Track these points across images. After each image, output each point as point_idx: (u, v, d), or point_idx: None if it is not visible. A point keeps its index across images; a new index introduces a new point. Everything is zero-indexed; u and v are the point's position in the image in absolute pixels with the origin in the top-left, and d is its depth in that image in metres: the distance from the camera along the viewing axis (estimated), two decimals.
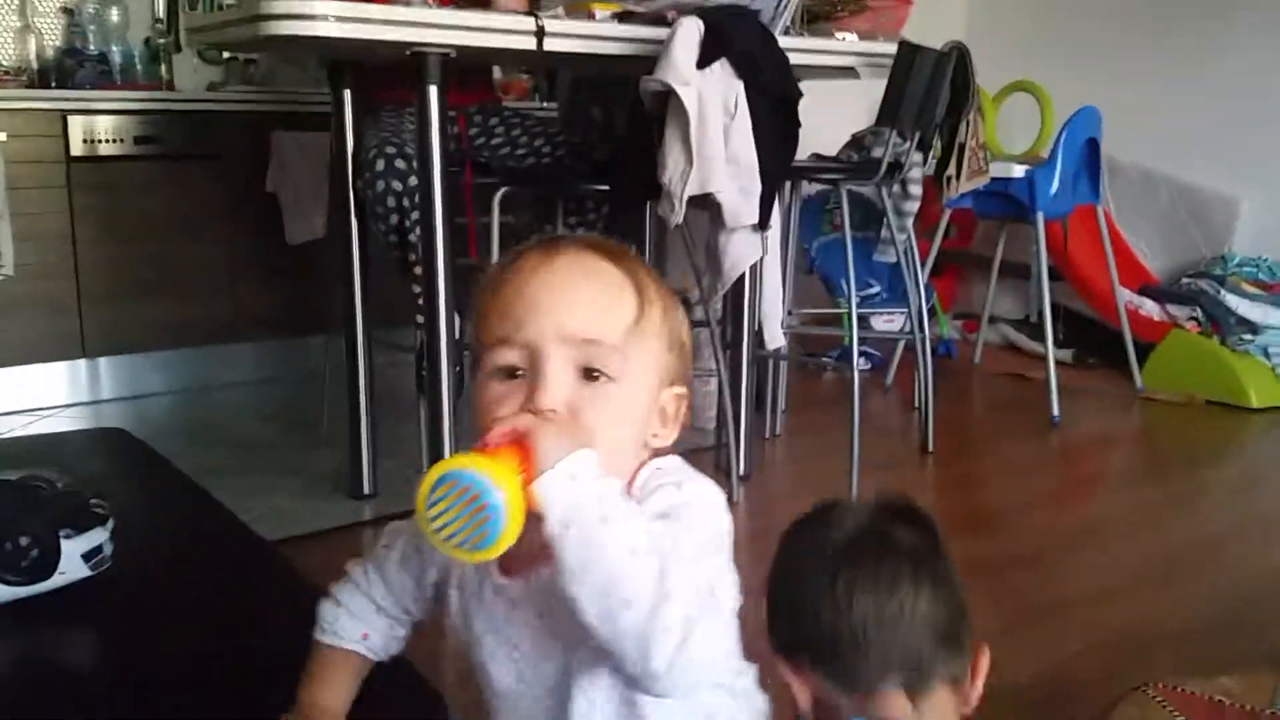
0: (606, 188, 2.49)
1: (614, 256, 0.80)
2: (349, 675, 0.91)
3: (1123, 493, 2.93)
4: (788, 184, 3.03)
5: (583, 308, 0.76)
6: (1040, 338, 3.46)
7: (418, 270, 2.27)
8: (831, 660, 0.85)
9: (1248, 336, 3.54)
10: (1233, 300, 3.58)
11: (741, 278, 2.52)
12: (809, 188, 3.56)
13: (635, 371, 0.77)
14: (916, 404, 3.22)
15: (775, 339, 2.67)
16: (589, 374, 0.75)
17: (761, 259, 2.47)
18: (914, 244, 3.13)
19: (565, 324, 0.75)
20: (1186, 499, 2.81)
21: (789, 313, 3.23)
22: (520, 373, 0.76)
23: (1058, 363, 3.39)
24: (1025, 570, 2.20)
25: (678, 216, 2.16)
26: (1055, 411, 3.29)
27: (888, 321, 4.02)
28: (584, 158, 2.67)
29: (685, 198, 2.13)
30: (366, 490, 2.55)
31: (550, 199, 2.69)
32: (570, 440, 0.70)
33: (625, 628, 0.66)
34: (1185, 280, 3.82)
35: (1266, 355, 3.51)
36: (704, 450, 2.87)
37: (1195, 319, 3.65)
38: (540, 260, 0.78)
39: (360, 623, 0.91)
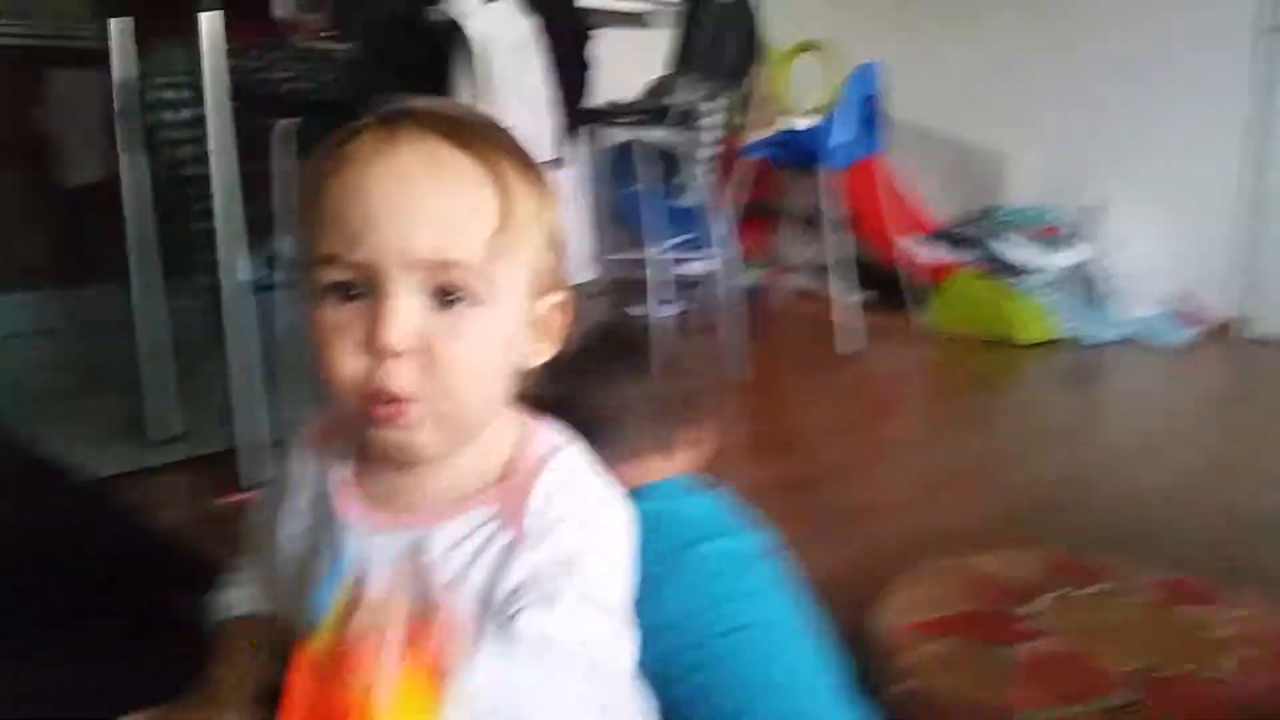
0: None
1: (467, 140, 0.65)
2: (247, 643, 0.80)
3: (912, 416, 3.16)
4: (587, 131, 3.06)
5: (433, 221, 0.62)
6: (836, 282, 3.65)
7: (204, 209, 2.18)
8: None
9: (1021, 278, 3.82)
10: (1003, 247, 3.85)
11: None
12: (612, 138, 3.61)
13: (502, 289, 0.65)
14: (723, 344, 3.35)
15: (582, 275, 2.71)
16: (444, 297, 0.64)
17: (561, 196, 2.49)
18: (716, 191, 3.23)
19: (411, 244, 0.62)
20: (967, 421, 3.04)
21: (597, 258, 3.28)
22: (357, 292, 0.64)
23: (852, 305, 3.58)
24: (830, 483, 2.36)
25: None
26: (851, 348, 3.48)
27: (695, 267, 4.12)
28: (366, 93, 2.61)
29: None
30: (176, 431, 2.44)
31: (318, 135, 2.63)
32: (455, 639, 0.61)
33: None
34: (963, 227, 4.09)
35: (1038, 295, 3.81)
36: None
37: (972, 263, 3.91)
38: (375, 152, 0.64)
39: (250, 588, 0.83)
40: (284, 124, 2.39)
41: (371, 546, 0.70)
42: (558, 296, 0.71)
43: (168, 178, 2.26)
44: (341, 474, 0.74)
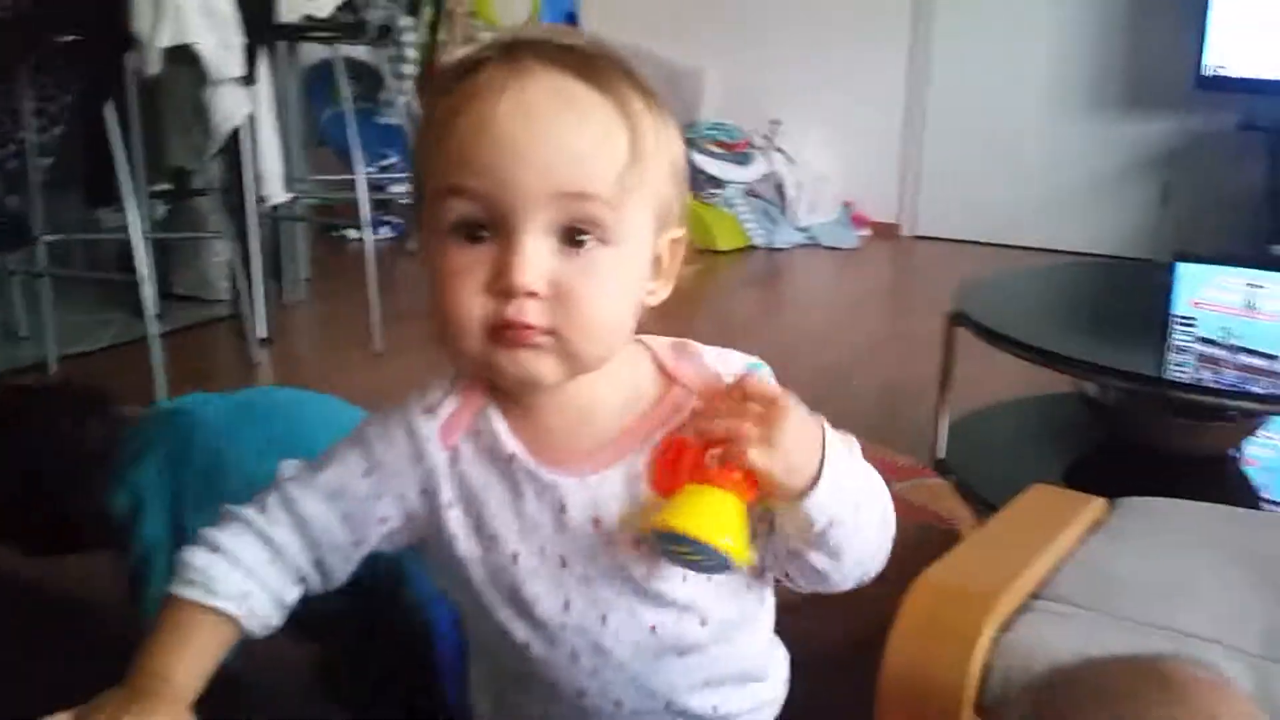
0: (75, 38, 2.35)
1: (593, 73, 0.62)
2: (211, 645, 0.66)
3: None
4: (283, 46, 3.03)
5: (564, 156, 0.60)
6: None
7: None
8: None
9: (715, 191, 4.11)
10: (700, 159, 4.13)
11: (236, 140, 2.53)
12: (310, 55, 3.55)
13: (630, 226, 0.62)
14: None
15: (276, 194, 2.71)
16: (574, 237, 0.61)
17: (253, 115, 2.49)
18: (418, 108, 3.27)
19: (544, 179, 0.59)
20: (666, 321, 3.29)
21: (300, 180, 3.26)
22: (483, 233, 0.61)
23: None
24: None
25: (152, 66, 2.12)
26: None
27: (403, 189, 4.14)
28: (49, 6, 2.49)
29: (160, 48, 2.10)
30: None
31: (9, 54, 2.49)
32: (803, 442, 0.61)
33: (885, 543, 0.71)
34: None
35: (730, 206, 4.11)
36: (219, 321, 2.87)
37: None
38: (503, 87, 0.60)
39: (243, 575, 0.67)
40: None
41: (597, 489, 0.67)
42: (677, 232, 0.67)
43: None
44: (507, 443, 0.68)
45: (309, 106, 3.55)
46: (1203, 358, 1.72)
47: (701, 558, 0.60)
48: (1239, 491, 1.82)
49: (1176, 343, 1.79)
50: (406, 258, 3.83)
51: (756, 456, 0.59)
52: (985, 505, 1.70)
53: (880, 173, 4.24)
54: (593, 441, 0.67)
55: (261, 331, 2.77)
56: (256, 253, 2.78)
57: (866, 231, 4.18)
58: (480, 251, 0.61)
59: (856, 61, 4.21)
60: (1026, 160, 4.00)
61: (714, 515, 0.59)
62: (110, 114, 2.23)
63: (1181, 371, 1.64)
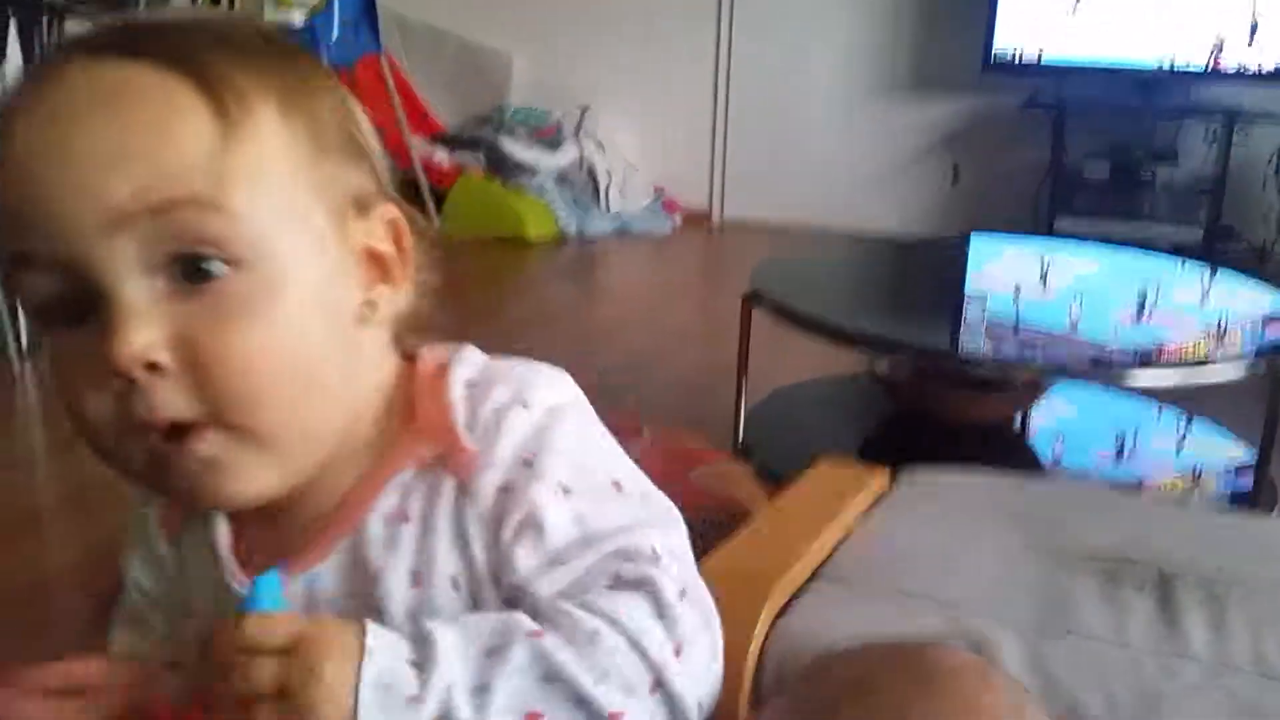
0: None
1: (148, 46, 0.47)
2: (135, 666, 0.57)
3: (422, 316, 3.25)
4: (48, 22, 2.77)
5: (113, 156, 0.44)
6: None
7: None
8: None
9: (525, 178, 4.02)
10: (510, 145, 4.03)
11: None
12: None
13: (273, 230, 0.46)
14: None
15: None
16: (191, 271, 0.45)
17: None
18: None
19: (100, 196, 0.43)
20: (476, 315, 3.20)
21: None
22: (83, 307, 0.45)
23: None
24: None
25: None
26: None
27: None
28: None
29: None
30: None
31: None
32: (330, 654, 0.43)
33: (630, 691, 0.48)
34: (471, 129, 4.22)
35: (541, 194, 4.04)
36: None
37: (480, 164, 4.06)
38: (28, 103, 0.46)
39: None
40: None
41: (311, 591, 0.53)
42: (387, 209, 0.52)
43: None
44: (222, 541, 0.55)
45: None
46: (988, 329, 1.76)
47: None
48: (1022, 459, 1.87)
49: (961, 316, 1.83)
50: None
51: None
52: (784, 486, 1.69)
53: (691, 160, 4.25)
54: (310, 516, 0.52)
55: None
56: None
57: (678, 219, 4.18)
58: (87, 332, 0.45)
59: (665, 48, 4.20)
60: (825, 145, 4.09)
61: None
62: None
63: (964, 343, 1.67)
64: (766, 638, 0.90)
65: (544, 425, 0.52)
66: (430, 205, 3.95)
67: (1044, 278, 2.06)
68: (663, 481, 1.51)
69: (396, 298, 0.53)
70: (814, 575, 1.00)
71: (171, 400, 0.45)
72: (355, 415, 0.52)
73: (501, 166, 4.02)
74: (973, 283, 2.06)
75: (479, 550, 0.51)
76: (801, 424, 2.04)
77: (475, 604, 0.51)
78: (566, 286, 3.61)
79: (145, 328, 0.44)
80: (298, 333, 0.47)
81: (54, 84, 0.46)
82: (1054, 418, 2.04)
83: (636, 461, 1.67)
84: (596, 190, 4.13)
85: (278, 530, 0.53)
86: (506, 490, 0.51)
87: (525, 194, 3.99)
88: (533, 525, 0.50)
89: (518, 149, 4.05)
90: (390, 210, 0.53)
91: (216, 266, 0.45)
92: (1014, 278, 2.07)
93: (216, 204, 0.45)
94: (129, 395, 0.44)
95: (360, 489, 0.52)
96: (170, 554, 0.58)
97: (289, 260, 0.47)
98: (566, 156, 4.10)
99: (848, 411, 2.12)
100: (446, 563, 0.51)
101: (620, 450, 0.58)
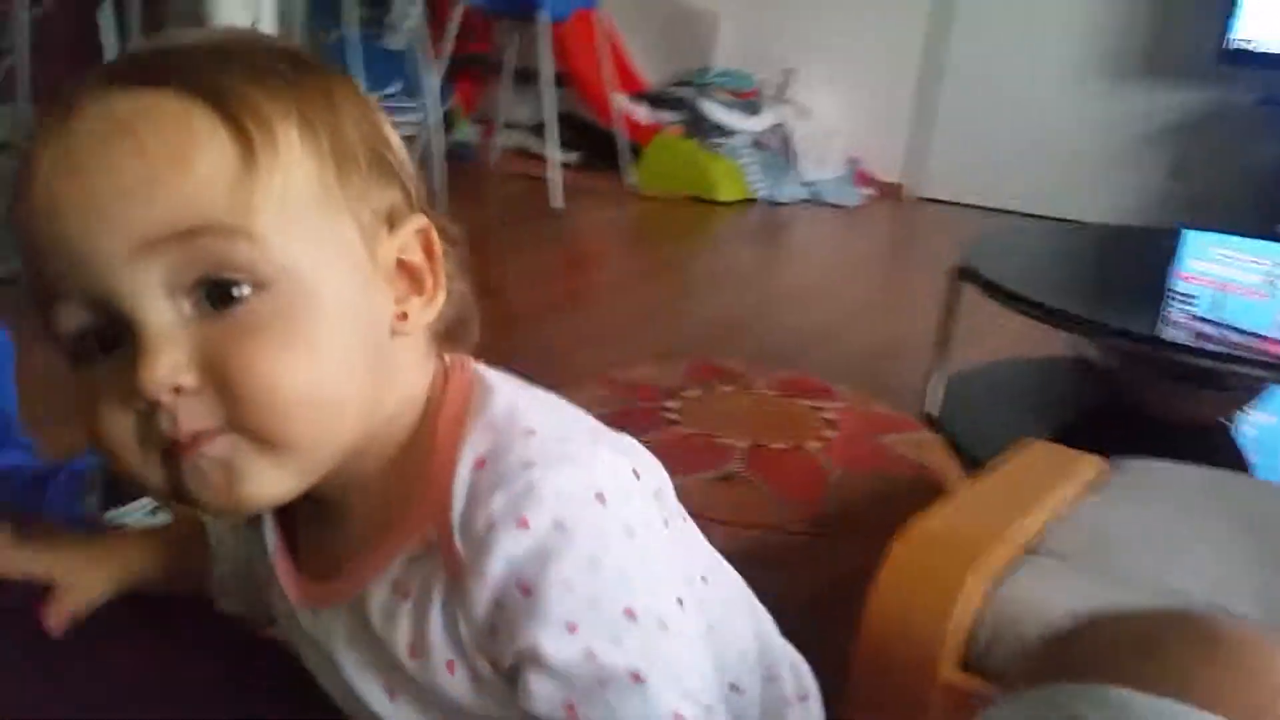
0: None
1: (167, 73, 0.46)
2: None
3: (611, 267, 3.33)
4: None
5: (134, 184, 0.44)
6: (549, 140, 3.73)
7: None
8: None
9: (721, 140, 4.04)
10: (710, 107, 4.05)
11: None
12: None
13: (297, 247, 0.46)
14: (433, 200, 3.37)
15: None
16: (217, 296, 0.45)
17: (255, 24, 2.41)
18: (425, 35, 3.19)
19: (123, 225, 0.44)
20: (662, 270, 3.26)
21: None
22: (110, 335, 0.46)
23: (563, 165, 3.68)
24: (525, 324, 2.50)
25: None
26: (558, 205, 3.58)
27: (406, 122, 4.07)
28: None
29: None
30: None
31: None
32: None
33: None
34: (673, 88, 4.25)
35: (736, 156, 4.05)
36: None
37: (679, 122, 4.09)
38: (57, 136, 0.45)
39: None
40: None
41: (327, 630, 0.54)
42: (416, 221, 0.52)
43: None
44: (271, 545, 0.57)
45: (313, 28, 3.47)
46: (1202, 323, 1.69)
47: None
48: (1230, 462, 1.79)
49: (1176, 307, 1.76)
50: None
51: None
52: (975, 463, 1.67)
53: (889, 131, 4.17)
54: (358, 524, 0.52)
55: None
56: None
57: (870, 190, 4.12)
58: (114, 359, 0.46)
59: (876, 14, 4.11)
60: (1040, 126, 3.92)
61: None
62: (107, 14, 2.16)
63: (1180, 334, 1.60)
64: (980, 605, 0.91)
65: (546, 551, 0.46)
66: (622, 161, 4.02)
67: (1261, 280, 1.96)
68: (854, 442, 1.52)
69: (429, 308, 0.52)
70: (1026, 550, 1.01)
71: (195, 415, 0.45)
72: (388, 420, 0.51)
73: (699, 127, 4.05)
74: (1191, 277, 1.97)
75: (473, 650, 0.49)
76: (994, 403, 2.00)
77: (475, 676, 0.50)
78: (753, 249, 3.62)
79: (171, 353, 0.44)
80: (325, 350, 0.46)
81: (74, 116, 0.45)
82: (1264, 424, 1.94)
83: (831, 422, 1.67)
84: (791, 156, 4.10)
85: (326, 538, 0.54)
86: (501, 607, 0.47)
87: (720, 156, 4.00)
88: (534, 660, 0.47)
89: (717, 111, 4.06)
90: (419, 220, 0.52)
91: (243, 290, 0.45)
92: (1234, 276, 1.97)
93: (241, 230, 0.44)
94: (153, 415, 0.45)
95: (388, 539, 0.51)
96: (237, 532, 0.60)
97: (317, 280, 0.46)
98: (765, 121, 4.08)
99: (1046, 395, 2.07)
100: (441, 650, 0.50)
101: (645, 549, 0.49)
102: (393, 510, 0.50)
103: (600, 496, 0.47)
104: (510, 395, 0.52)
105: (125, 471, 0.47)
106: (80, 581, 0.56)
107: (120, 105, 0.45)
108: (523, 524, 0.46)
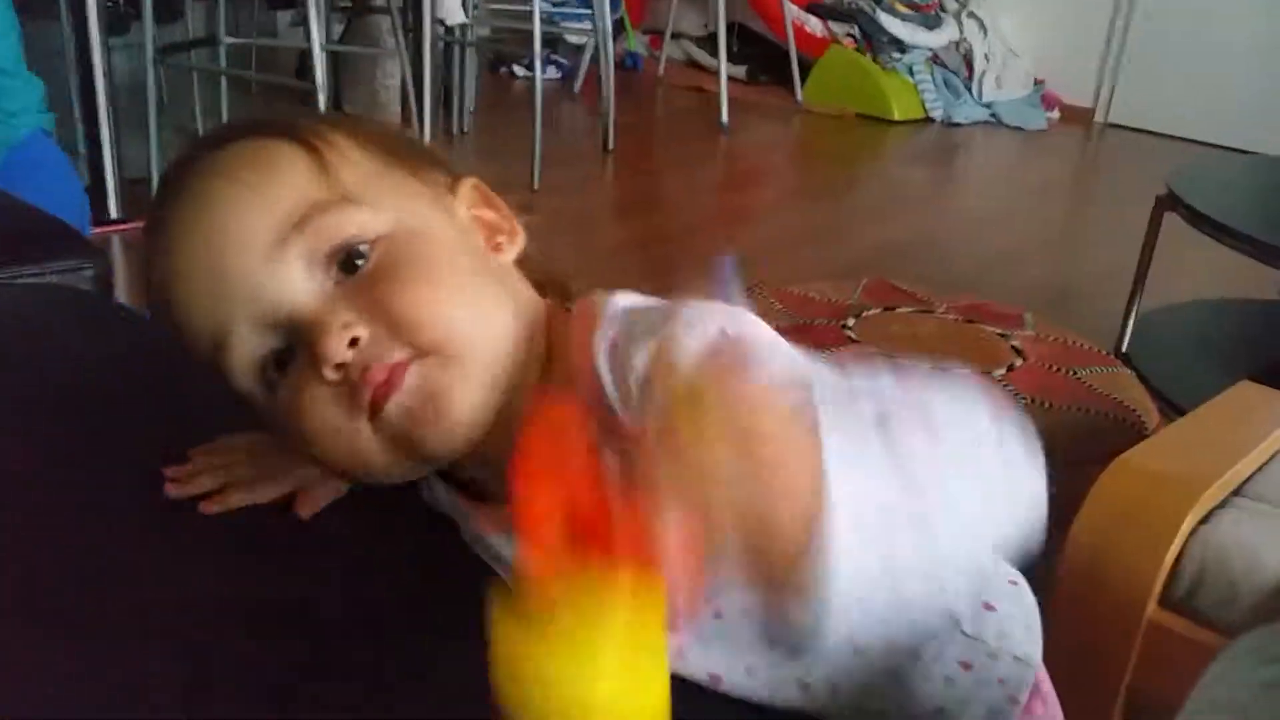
0: None
1: (250, 129, 0.55)
2: None
3: (777, 184, 3.27)
4: None
5: (250, 205, 0.51)
6: (718, 53, 3.65)
7: None
8: None
9: (896, 55, 3.88)
10: (886, 20, 3.89)
11: None
12: None
13: (388, 202, 0.53)
14: (600, 109, 3.35)
15: (455, 15, 2.67)
16: (346, 259, 0.51)
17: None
18: None
19: (254, 238, 0.50)
20: (830, 189, 3.18)
21: (475, 6, 3.21)
22: (285, 355, 0.51)
23: (731, 78, 3.60)
24: (687, 239, 2.47)
25: None
26: (724, 119, 3.52)
27: (577, 34, 4.06)
28: None
29: None
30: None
31: None
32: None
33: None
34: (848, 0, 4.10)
35: (911, 73, 3.89)
36: None
37: (852, 35, 3.95)
38: (176, 204, 0.53)
39: None
40: None
41: None
42: (470, 180, 0.58)
43: None
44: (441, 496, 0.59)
45: None
46: None
47: None
48: None
49: None
50: (570, 100, 3.79)
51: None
52: (1168, 403, 1.59)
53: (1079, 51, 3.92)
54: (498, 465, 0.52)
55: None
56: (428, 75, 2.76)
57: (1056, 114, 3.90)
58: (294, 370, 0.51)
59: None
60: (1243, 54, 3.62)
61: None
62: None
63: None
64: (1186, 544, 0.87)
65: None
66: (796, 76, 3.91)
67: None
68: (1045, 372, 1.46)
69: (513, 244, 0.57)
70: (1235, 493, 0.96)
71: (380, 355, 0.49)
72: (528, 332, 0.53)
73: (874, 41, 3.90)
74: None
75: None
76: (1190, 343, 1.89)
77: None
78: (928, 171, 3.49)
79: (336, 315, 0.49)
80: (449, 269, 0.52)
81: (183, 181, 0.53)
82: None
83: (1019, 350, 1.60)
84: (971, 74, 3.92)
85: (488, 484, 0.56)
86: None
87: (894, 72, 3.86)
88: None
89: (894, 24, 3.90)
90: (471, 179, 0.57)
91: (365, 249, 0.51)
92: None
93: (338, 202, 0.51)
94: (345, 381, 0.49)
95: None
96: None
97: (416, 223, 0.53)
98: (944, 36, 3.91)
99: (1245, 338, 1.95)
100: None
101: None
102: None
103: (739, 335, 0.46)
104: (635, 297, 0.53)
105: (347, 467, 0.52)
106: (317, 488, 0.61)
107: (209, 161, 0.53)
108: (669, 372, 0.44)
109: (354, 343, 0.49)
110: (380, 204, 0.52)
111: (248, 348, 0.51)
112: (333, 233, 0.50)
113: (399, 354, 0.49)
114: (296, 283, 0.50)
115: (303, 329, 0.50)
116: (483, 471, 0.55)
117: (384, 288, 0.50)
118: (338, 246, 0.50)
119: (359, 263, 0.51)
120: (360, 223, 0.51)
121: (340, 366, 0.49)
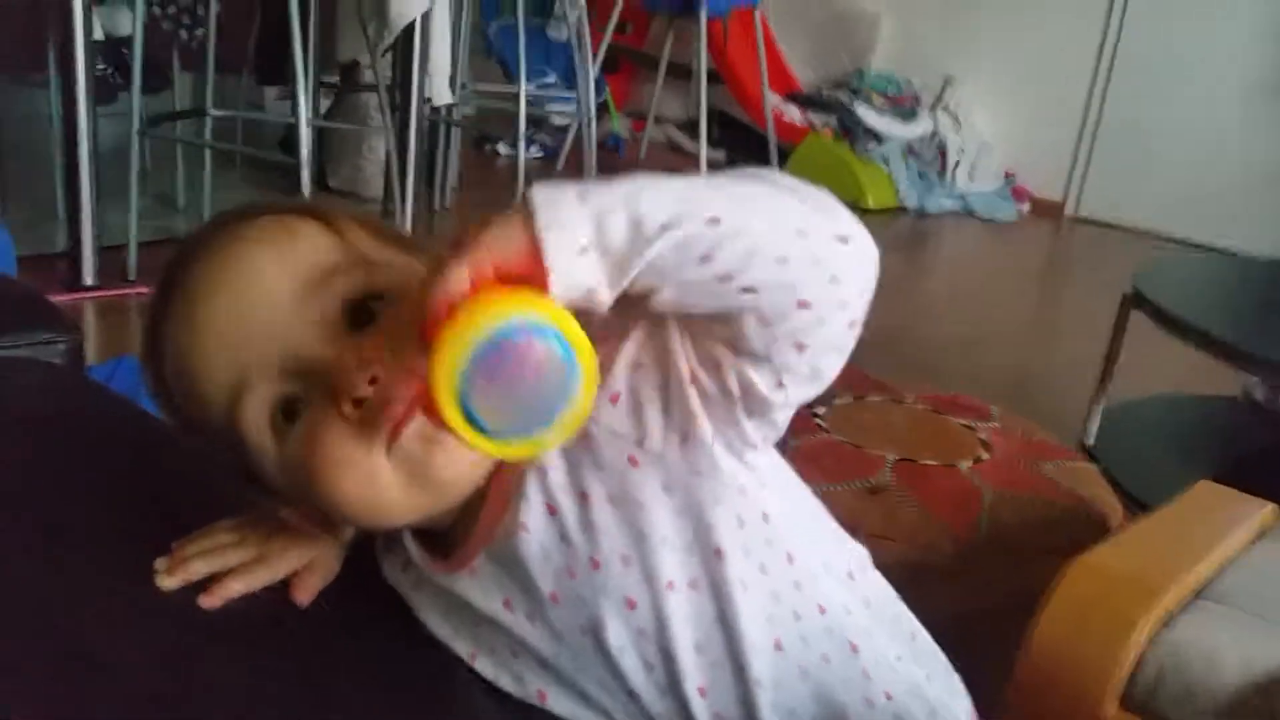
0: None
1: (264, 209, 0.60)
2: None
3: None
4: None
5: (276, 263, 0.55)
6: (698, 138, 3.74)
7: None
8: None
9: (873, 145, 3.98)
10: (864, 111, 3.99)
11: (410, 37, 2.53)
12: None
13: (397, 261, 0.58)
14: None
15: (443, 95, 2.71)
16: (360, 311, 0.54)
17: (429, 13, 2.49)
18: (586, 28, 3.23)
19: (275, 291, 0.54)
20: None
21: (463, 86, 3.27)
22: (296, 400, 0.54)
23: (710, 162, 3.68)
24: None
25: None
26: None
27: (561, 114, 4.14)
28: None
29: None
30: None
31: None
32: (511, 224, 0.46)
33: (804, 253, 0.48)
34: (827, 90, 4.21)
35: (886, 163, 3.98)
36: None
37: (831, 126, 4.05)
38: (199, 270, 0.56)
39: None
40: None
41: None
42: None
43: None
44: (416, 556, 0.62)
45: (480, 14, 3.56)
46: None
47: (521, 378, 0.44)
48: None
49: None
50: (552, 178, 3.85)
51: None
52: (1131, 499, 1.61)
53: (1050, 146, 4.03)
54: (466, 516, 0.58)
55: (408, 231, 2.80)
56: (413, 152, 2.80)
57: (1026, 206, 4.00)
58: (306, 416, 0.53)
59: (1045, 25, 3.98)
60: (1216, 150, 3.73)
61: (505, 301, 0.45)
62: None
63: None
64: (1147, 645, 0.88)
65: None
66: (775, 161, 3.99)
67: None
68: (1010, 466, 1.48)
69: None
70: (1197, 594, 0.97)
71: (394, 390, 0.51)
72: None
73: (851, 131, 4.00)
74: None
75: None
76: (1153, 439, 1.92)
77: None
78: (900, 259, 3.55)
79: (354, 353, 0.52)
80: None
81: (207, 246, 0.57)
82: None
83: (985, 443, 1.62)
84: (944, 166, 4.02)
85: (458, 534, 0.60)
86: None
87: (870, 161, 3.95)
88: None
89: (870, 115, 4.00)
90: None
91: (376, 302, 0.54)
92: None
93: (355, 262, 0.56)
94: (363, 419, 0.52)
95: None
96: None
97: (419, 276, 0.55)
98: (919, 128, 4.01)
99: (1209, 434, 1.98)
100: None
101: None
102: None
103: None
104: None
105: (364, 510, 0.54)
106: (320, 564, 0.63)
107: (234, 230, 0.57)
108: None
109: (372, 381, 0.51)
110: (390, 260, 0.57)
111: (265, 394, 0.54)
112: (351, 287, 0.54)
113: (414, 391, 0.51)
114: (317, 330, 0.53)
115: (321, 371, 0.52)
116: (462, 516, 0.58)
117: (399, 333, 0.51)
118: (355, 300, 0.54)
119: (371, 312, 0.54)
120: (375, 279, 0.55)
121: (358, 403, 0.51)
